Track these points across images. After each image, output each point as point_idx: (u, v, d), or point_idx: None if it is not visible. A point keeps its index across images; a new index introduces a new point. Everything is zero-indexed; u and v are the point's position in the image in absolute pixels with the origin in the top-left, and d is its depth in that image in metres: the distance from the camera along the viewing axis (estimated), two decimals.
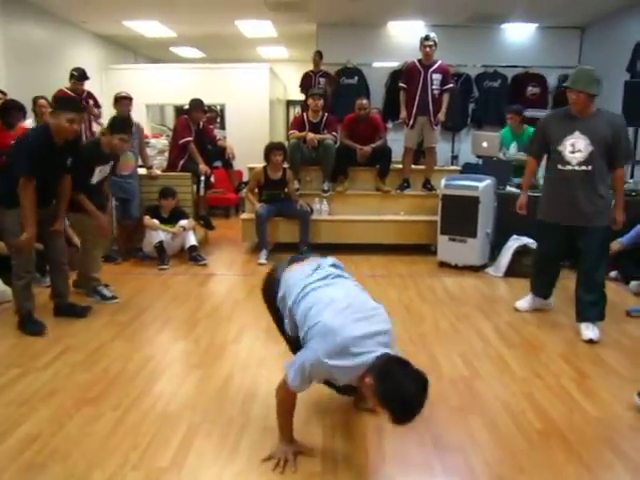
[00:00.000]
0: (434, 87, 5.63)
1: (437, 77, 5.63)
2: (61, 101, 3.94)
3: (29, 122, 5.35)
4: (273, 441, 2.23)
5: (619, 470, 2.16)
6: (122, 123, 4.32)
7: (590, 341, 3.41)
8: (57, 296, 3.85)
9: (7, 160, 3.48)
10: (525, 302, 4.04)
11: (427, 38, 5.59)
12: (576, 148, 3.42)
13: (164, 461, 2.14)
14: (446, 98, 5.73)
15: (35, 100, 5.49)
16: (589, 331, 3.47)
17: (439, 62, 5.67)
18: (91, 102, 6.31)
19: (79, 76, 6.02)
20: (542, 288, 3.96)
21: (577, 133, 3.41)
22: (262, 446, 2.23)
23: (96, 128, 6.22)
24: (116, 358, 3.13)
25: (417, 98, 5.66)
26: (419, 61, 5.67)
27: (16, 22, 6.86)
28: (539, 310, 4.01)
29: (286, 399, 2.09)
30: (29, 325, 3.53)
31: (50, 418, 2.47)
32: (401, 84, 5.84)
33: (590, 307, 3.52)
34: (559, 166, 3.50)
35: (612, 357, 3.22)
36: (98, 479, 2.03)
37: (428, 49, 5.55)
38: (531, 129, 5.92)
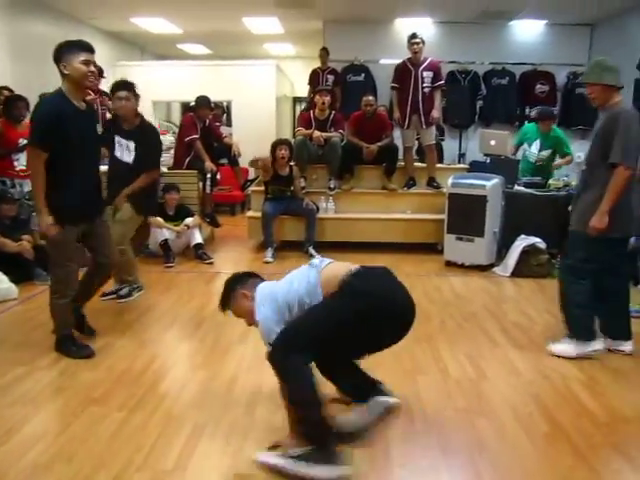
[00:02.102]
0: (425, 85, 5.58)
1: (428, 74, 5.58)
2: (63, 47, 2.95)
3: None
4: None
5: (628, 476, 2.13)
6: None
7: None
8: None
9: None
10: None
11: (414, 36, 5.53)
12: None
13: (168, 463, 2.13)
14: (438, 95, 5.69)
15: (41, 97, 5.48)
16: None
17: (429, 59, 5.62)
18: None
19: (98, 72, 5.99)
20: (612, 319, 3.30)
21: None
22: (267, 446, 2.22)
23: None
24: (121, 357, 3.13)
25: (410, 97, 5.61)
26: (409, 60, 5.62)
27: (22, 18, 6.86)
28: (547, 312, 3.97)
29: None
30: (75, 347, 3.14)
31: (55, 417, 2.48)
32: (393, 84, 5.79)
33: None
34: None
35: (620, 360, 3.17)
36: None
37: (415, 47, 5.50)
38: (558, 131, 5.74)
